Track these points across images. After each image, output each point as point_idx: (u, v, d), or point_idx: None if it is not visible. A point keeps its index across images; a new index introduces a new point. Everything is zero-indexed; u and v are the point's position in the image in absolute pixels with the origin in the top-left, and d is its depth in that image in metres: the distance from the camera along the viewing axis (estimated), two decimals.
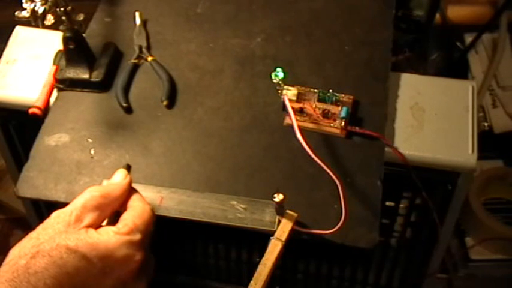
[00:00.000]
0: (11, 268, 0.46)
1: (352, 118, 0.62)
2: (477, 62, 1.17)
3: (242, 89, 0.66)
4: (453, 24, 1.17)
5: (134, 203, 0.55)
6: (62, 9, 0.61)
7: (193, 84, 0.67)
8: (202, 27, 0.72)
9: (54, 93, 0.67)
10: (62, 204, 0.58)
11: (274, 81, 0.60)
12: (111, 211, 0.54)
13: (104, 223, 0.54)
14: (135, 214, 0.54)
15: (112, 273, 0.50)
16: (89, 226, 0.51)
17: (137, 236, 0.52)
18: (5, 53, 0.72)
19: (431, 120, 0.64)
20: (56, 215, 0.51)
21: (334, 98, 0.63)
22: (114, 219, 0.54)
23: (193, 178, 0.60)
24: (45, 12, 0.60)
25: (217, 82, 0.67)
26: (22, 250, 0.48)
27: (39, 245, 0.48)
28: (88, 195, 0.53)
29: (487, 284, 1.07)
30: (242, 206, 0.57)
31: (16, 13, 0.61)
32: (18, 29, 0.73)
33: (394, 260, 0.75)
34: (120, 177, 0.57)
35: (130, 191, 0.56)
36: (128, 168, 0.58)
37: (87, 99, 0.66)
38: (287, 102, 0.59)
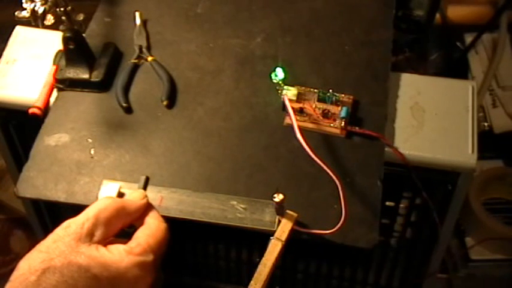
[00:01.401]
0: (21, 284, 0.45)
1: (352, 118, 0.62)
2: (477, 62, 1.17)
3: (242, 89, 0.66)
4: (453, 24, 1.16)
5: (149, 220, 0.54)
6: (62, 9, 0.61)
7: (193, 84, 0.67)
8: (202, 27, 0.72)
9: (54, 93, 0.67)
10: (62, 204, 0.58)
11: (274, 81, 0.60)
12: (122, 226, 0.53)
13: None
14: (149, 233, 0.53)
15: None
16: (99, 242, 0.50)
17: (150, 257, 0.51)
18: (5, 53, 0.72)
19: (431, 120, 0.64)
20: (67, 225, 0.50)
21: (334, 98, 0.63)
22: (121, 233, 0.54)
23: (193, 178, 0.60)
24: (45, 12, 0.60)
25: (217, 82, 0.67)
26: (32, 264, 0.47)
27: (50, 260, 0.47)
28: (103, 206, 0.52)
29: (487, 284, 1.07)
30: (242, 206, 0.57)
31: (16, 13, 0.61)
32: (18, 29, 0.73)
33: (394, 260, 0.75)
34: (138, 196, 0.56)
35: (148, 206, 0.56)
36: (147, 180, 0.58)
37: (87, 99, 0.66)
38: (287, 102, 0.59)
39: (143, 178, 0.59)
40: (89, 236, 0.50)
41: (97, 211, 0.51)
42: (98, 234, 0.50)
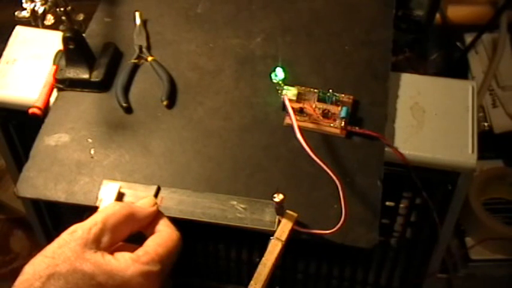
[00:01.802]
0: None
1: (352, 118, 0.62)
2: (477, 62, 1.17)
3: (242, 89, 0.66)
4: (453, 24, 1.16)
5: (161, 228, 0.53)
6: (62, 9, 0.61)
7: (193, 84, 0.67)
8: (202, 27, 0.72)
9: (54, 93, 0.67)
10: (62, 204, 0.58)
11: (274, 81, 0.60)
12: (129, 233, 0.52)
13: None
14: (159, 242, 0.52)
15: None
16: (106, 249, 0.49)
17: (156, 267, 0.50)
18: (5, 53, 0.72)
19: (431, 120, 0.64)
20: (73, 229, 0.49)
21: (334, 98, 0.63)
22: (130, 239, 0.53)
23: (193, 178, 0.60)
24: (45, 12, 0.60)
25: (217, 82, 0.67)
26: (37, 270, 0.46)
27: (54, 266, 0.46)
28: (111, 211, 0.51)
29: (487, 284, 1.07)
30: (242, 206, 0.57)
31: (16, 13, 0.61)
32: (18, 29, 0.73)
33: (394, 260, 0.75)
34: (148, 203, 0.55)
35: (159, 214, 0.55)
36: (158, 189, 0.58)
37: (87, 99, 0.66)
38: (287, 102, 0.59)
39: (155, 187, 0.58)
40: (96, 242, 0.49)
41: (105, 216, 0.50)
42: (105, 240, 0.49)
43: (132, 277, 0.48)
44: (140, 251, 0.51)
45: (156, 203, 0.56)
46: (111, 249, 0.50)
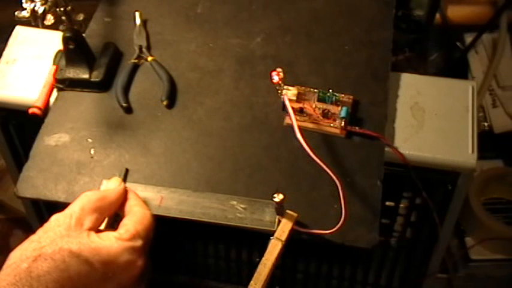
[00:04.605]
0: (13, 271, 0.46)
1: (352, 118, 0.62)
2: (477, 62, 1.17)
3: (242, 89, 0.66)
4: (453, 24, 1.17)
5: (134, 208, 0.55)
6: (62, 9, 0.61)
7: (193, 84, 0.67)
8: (202, 27, 0.72)
9: (54, 93, 0.67)
10: (62, 204, 0.58)
11: (274, 81, 0.60)
12: (108, 215, 0.55)
13: (102, 227, 0.54)
14: (136, 220, 0.54)
15: (113, 278, 0.50)
16: (90, 229, 0.51)
17: (139, 242, 0.52)
18: (5, 53, 0.72)
19: (431, 120, 0.64)
20: (55, 218, 0.51)
21: (334, 98, 0.63)
22: (112, 224, 0.54)
23: (193, 178, 0.60)
24: (45, 12, 0.60)
25: (217, 82, 0.67)
26: (23, 253, 0.48)
27: (41, 248, 0.48)
28: (85, 199, 0.53)
29: (487, 284, 1.07)
30: (242, 206, 0.57)
31: (16, 13, 0.61)
32: (18, 29, 0.73)
33: (394, 260, 0.75)
34: (115, 183, 0.58)
35: (131, 195, 0.57)
36: (126, 172, 0.59)
37: (87, 99, 0.66)
38: (287, 102, 0.59)
39: (123, 170, 0.60)
40: (79, 225, 0.51)
41: (81, 204, 0.52)
42: (87, 222, 0.51)
43: (118, 253, 0.50)
44: (121, 230, 0.53)
45: (121, 182, 0.58)
46: (94, 231, 0.52)
